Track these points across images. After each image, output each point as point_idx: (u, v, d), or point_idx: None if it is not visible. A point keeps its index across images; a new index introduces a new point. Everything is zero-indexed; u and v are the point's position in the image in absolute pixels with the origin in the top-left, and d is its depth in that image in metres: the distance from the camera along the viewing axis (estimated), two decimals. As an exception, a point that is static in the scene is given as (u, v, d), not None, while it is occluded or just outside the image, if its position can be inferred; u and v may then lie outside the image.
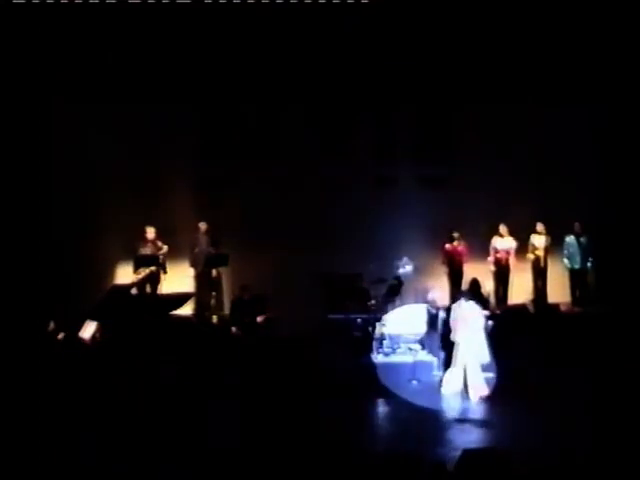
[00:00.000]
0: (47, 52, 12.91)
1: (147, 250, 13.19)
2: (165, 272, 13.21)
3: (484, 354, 10.24)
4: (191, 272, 13.80)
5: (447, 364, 10.52)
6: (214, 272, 13.73)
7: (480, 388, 10.10)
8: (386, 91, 14.43)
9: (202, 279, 13.72)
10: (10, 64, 12.41)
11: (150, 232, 13.22)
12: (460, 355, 10.24)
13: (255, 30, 12.85)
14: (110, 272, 13.75)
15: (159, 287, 13.22)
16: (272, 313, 11.82)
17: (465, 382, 10.17)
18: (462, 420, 9.55)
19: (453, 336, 10.43)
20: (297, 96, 14.33)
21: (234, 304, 12.27)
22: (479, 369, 10.18)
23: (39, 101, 13.07)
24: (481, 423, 9.48)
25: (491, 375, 10.36)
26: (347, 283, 12.76)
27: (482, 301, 11.96)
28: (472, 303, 10.46)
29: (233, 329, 11.78)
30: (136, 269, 13.04)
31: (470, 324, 10.29)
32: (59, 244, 13.19)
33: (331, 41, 13.16)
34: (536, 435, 8.74)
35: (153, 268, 13.06)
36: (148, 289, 13.12)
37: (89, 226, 13.54)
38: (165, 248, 13.32)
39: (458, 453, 6.27)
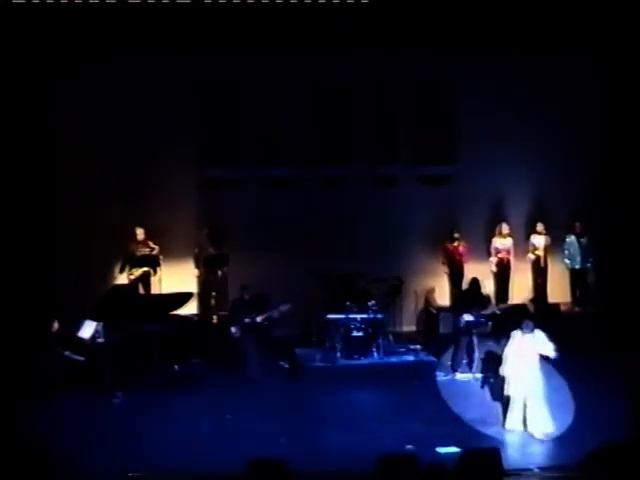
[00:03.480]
0: (47, 52, 12.93)
1: (139, 251, 13.28)
2: (155, 272, 13.28)
3: (540, 388, 9.20)
4: (196, 273, 13.83)
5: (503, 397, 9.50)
6: (218, 272, 13.76)
7: (543, 425, 9.14)
8: (385, 90, 14.51)
9: (204, 279, 13.74)
10: (9, 64, 12.40)
11: (140, 233, 13.31)
12: (514, 389, 9.24)
13: (255, 29, 12.83)
14: (110, 272, 13.74)
15: (152, 287, 13.29)
16: (272, 313, 11.81)
17: (525, 418, 9.22)
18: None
19: (502, 369, 9.40)
20: (297, 96, 14.34)
21: (234, 304, 12.26)
22: (541, 404, 9.18)
23: (39, 100, 13.07)
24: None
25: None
26: (347, 283, 12.74)
27: (482, 301, 12.01)
28: (536, 334, 9.30)
29: (233, 329, 11.76)
30: (124, 269, 13.14)
31: (527, 357, 9.22)
32: (59, 244, 13.19)
33: (331, 41, 13.13)
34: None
35: (146, 268, 13.19)
36: (141, 289, 13.21)
37: (89, 226, 13.51)
38: (157, 248, 13.38)
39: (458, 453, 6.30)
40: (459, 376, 11.50)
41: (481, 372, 11.20)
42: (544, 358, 9.29)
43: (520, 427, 9.18)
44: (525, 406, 9.17)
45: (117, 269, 13.55)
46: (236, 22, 12.54)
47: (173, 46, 13.13)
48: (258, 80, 14.08)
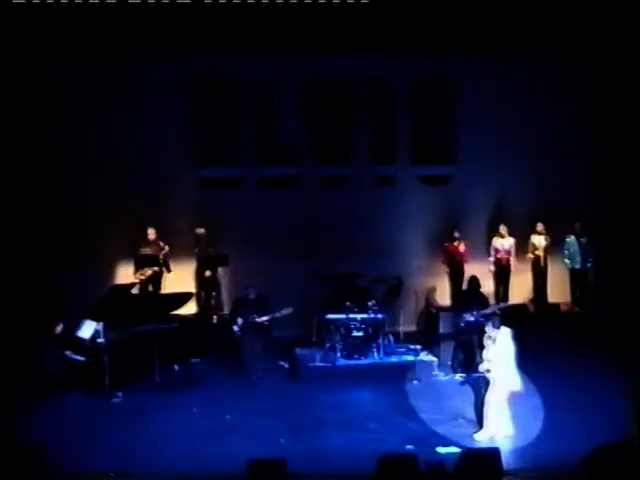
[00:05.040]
0: (46, 52, 12.93)
1: (149, 250, 13.39)
2: (169, 271, 13.41)
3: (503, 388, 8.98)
4: (196, 273, 13.83)
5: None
6: (218, 272, 13.77)
7: (504, 427, 8.93)
8: (385, 90, 14.51)
9: (204, 279, 13.75)
10: (9, 64, 12.40)
11: (151, 233, 13.40)
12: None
13: (255, 29, 12.83)
14: (111, 272, 13.75)
15: (162, 286, 13.34)
16: (274, 315, 11.80)
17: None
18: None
19: (482, 366, 9.24)
20: (297, 96, 14.34)
21: (237, 302, 12.23)
22: (503, 404, 8.98)
23: (39, 101, 13.07)
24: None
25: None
26: (347, 283, 12.75)
27: (482, 300, 12.00)
28: (502, 331, 9.04)
29: (234, 327, 11.74)
30: (138, 269, 13.20)
31: (495, 355, 9.00)
32: (59, 244, 13.20)
33: (331, 41, 13.13)
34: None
35: (156, 268, 13.25)
36: (150, 288, 13.24)
37: (89, 226, 13.53)
38: (167, 248, 13.45)
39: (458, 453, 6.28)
40: (459, 376, 11.49)
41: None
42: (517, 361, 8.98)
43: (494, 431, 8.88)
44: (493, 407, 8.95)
45: (121, 270, 13.59)
46: (236, 22, 12.55)
47: (173, 46, 13.13)
48: (258, 80, 14.11)
